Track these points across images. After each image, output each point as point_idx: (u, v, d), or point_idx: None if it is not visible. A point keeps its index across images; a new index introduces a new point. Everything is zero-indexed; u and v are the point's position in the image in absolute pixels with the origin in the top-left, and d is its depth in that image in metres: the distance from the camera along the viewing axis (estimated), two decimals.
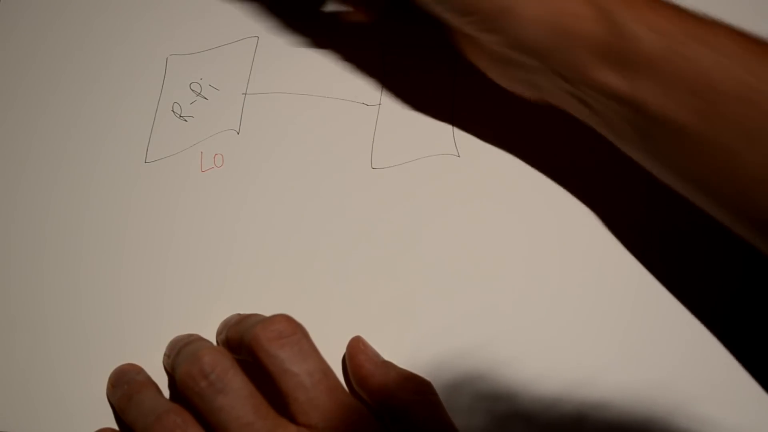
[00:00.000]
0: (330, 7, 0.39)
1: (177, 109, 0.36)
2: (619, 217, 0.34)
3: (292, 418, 0.27)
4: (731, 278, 0.33)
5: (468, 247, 0.33)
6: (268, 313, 0.29)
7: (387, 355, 0.31)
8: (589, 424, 0.30)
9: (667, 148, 0.29)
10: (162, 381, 0.30)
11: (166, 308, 0.32)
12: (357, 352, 0.30)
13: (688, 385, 0.31)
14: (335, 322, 0.32)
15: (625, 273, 0.33)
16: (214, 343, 0.31)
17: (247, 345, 0.28)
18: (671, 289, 0.32)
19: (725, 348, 0.31)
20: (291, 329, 0.28)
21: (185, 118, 0.36)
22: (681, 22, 0.27)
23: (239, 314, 0.31)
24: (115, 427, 0.30)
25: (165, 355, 0.31)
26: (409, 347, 0.31)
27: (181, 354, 0.28)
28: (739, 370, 0.31)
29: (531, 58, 0.30)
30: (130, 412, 0.28)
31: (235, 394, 0.26)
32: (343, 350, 0.31)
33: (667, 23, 0.27)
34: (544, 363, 0.31)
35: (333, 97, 0.37)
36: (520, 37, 0.29)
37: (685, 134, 0.27)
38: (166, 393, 0.30)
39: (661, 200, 0.34)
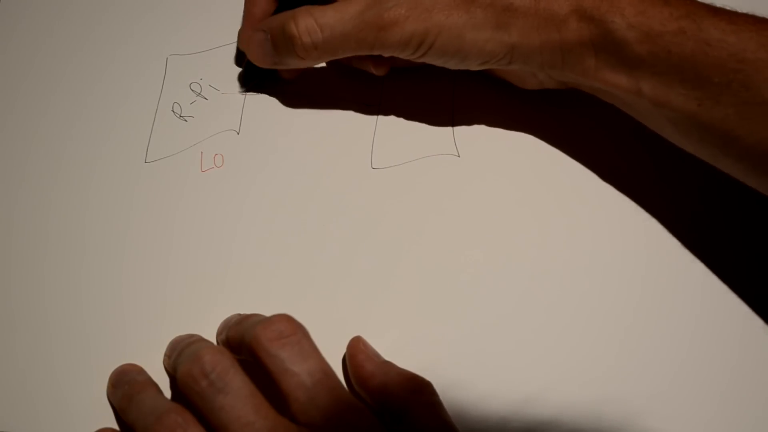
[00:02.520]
0: None
1: (177, 109, 0.36)
2: (613, 220, 0.34)
3: (292, 418, 0.27)
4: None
5: (468, 247, 0.33)
6: (268, 313, 0.29)
7: (387, 355, 0.31)
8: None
9: (676, 128, 0.31)
10: (162, 381, 0.30)
11: (166, 308, 0.32)
12: (357, 351, 0.30)
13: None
14: (335, 322, 0.32)
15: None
16: (215, 343, 0.31)
17: (248, 345, 0.28)
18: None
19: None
20: (291, 329, 0.28)
21: (185, 118, 0.36)
22: (665, 17, 0.29)
23: (239, 314, 0.31)
24: (116, 427, 0.30)
25: (165, 355, 0.31)
26: (409, 347, 0.31)
27: (182, 354, 0.28)
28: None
29: (548, 70, 0.32)
30: (131, 412, 0.28)
31: (236, 393, 0.26)
32: (343, 350, 0.31)
33: (651, 21, 0.29)
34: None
35: (333, 97, 0.37)
36: (536, 63, 0.32)
37: (689, 119, 0.30)
38: (167, 393, 0.30)
39: (654, 205, 0.34)
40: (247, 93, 0.37)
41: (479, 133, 0.36)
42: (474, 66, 0.33)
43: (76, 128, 0.36)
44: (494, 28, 0.31)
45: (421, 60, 0.32)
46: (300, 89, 0.37)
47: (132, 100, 0.37)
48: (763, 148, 0.28)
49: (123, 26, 0.38)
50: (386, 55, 0.32)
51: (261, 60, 0.34)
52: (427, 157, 0.35)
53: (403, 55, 0.32)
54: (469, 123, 0.36)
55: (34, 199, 0.34)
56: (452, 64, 0.33)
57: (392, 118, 0.36)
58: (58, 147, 0.35)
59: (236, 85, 0.37)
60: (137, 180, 0.35)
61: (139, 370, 0.30)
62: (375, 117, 0.36)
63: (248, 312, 0.31)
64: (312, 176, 0.35)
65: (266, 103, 0.37)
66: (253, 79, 0.37)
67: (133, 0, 0.39)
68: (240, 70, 0.37)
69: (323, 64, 0.37)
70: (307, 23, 0.31)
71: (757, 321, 0.32)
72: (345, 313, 0.32)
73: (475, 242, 0.34)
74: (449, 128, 0.36)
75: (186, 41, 0.38)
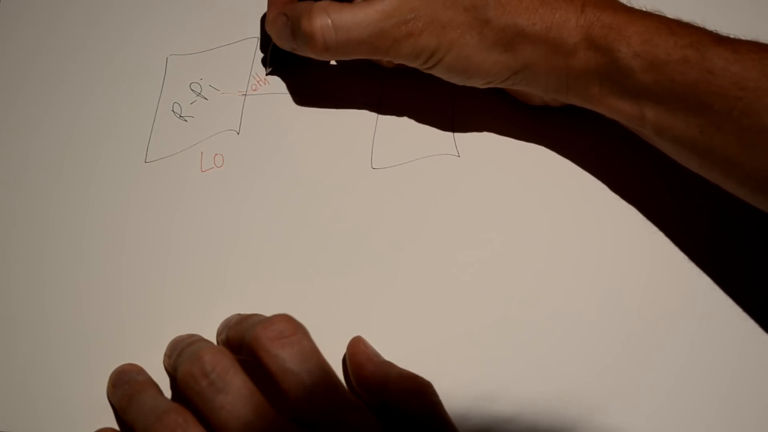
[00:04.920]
0: None
1: (177, 109, 0.36)
2: (611, 218, 0.34)
3: (292, 418, 0.27)
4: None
5: (468, 247, 0.33)
6: (268, 313, 0.29)
7: (387, 355, 0.31)
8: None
9: (680, 149, 0.31)
10: (162, 381, 0.30)
11: (166, 308, 0.32)
12: (357, 351, 0.30)
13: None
14: (335, 322, 0.32)
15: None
16: (215, 343, 0.31)
17: (248, 345, 0.28)
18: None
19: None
20: (292, 329, 0.28)
21: (185, 118, 0.36)
22: (670, 47, 0.29)
23: (240, 314, 0.31)
24: (116, 427, 0.30)
25: (165, 355, 0.31)
26: (409, 347, 0.31)
27: (183, 354, 0.28)
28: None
29: (553, 94, 0.33)
30: (131, 411, 0.28)
31: (236, 393, 0.26)
32: (343, 350, 0.31)
33: (657, 51, 0.29)
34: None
35: (333, 97, 0.37)
36: (541, 87, 0.33)
37: (691, 144, 0.30)
38: (167, 393, 0.30)
39: (650, 207, 0.34)
40: (247, 93, 0.37)
41: (479, 133, 0.36)
42: (479, 84, 0.33)
43: (76, 128, 0.36)
44: (503, 52, 0.31)
45: (428, 71, 0.33)
46: (300, 89, 0.37)
47: (132, 100, 0.37)
48: (764, 173, 0.28)
49: (123, 26, 0.38)
50: (395, 62, 0.33)
51: (282, 43, 0.34)
52: (427, 157, 0.35)
53: (411, 65, 0.33)
54: (469, 123, 0.36)
55: (35, 199, 0.34)
56: (458, 81, 0.33)
57: (392, 118, 0.36)
58: (58, 147, 0.35)
59: (236, 85, 0.37)
60: (137, 180, 0.35)
61: (139, 370, 0.30)
62: (375, 117, 0.36)
63: (248, 312, 0.31)
64: (312, 176, 0.35)
65: (266, 103, 0.37)
66: (277, 61, 0.37)
67: (133, 0, 0.39)
68: (240, 70, 0.37)
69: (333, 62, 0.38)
70: (322, 22, 0.31)
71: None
72: (345, 313, 0.32)
73: (475, 242, 0.34)
74: (449, 128, 0.36)
75: (186, 41, 0.38)
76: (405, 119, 0.36)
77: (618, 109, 0.31)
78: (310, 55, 0.33)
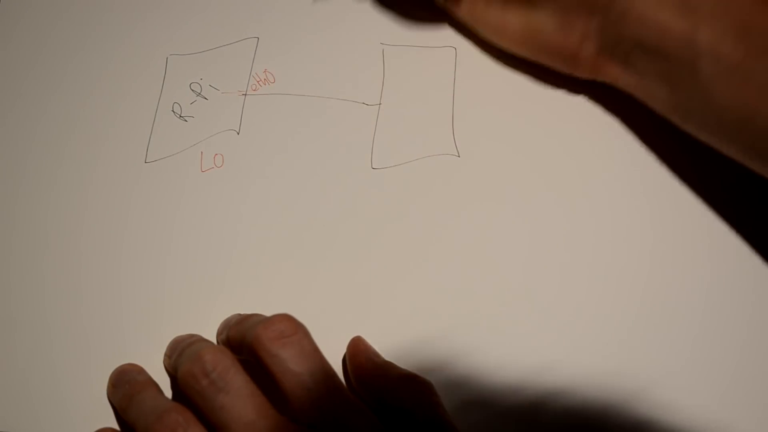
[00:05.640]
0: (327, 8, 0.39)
1: (177, 109, 0.36)
2: (617, 218, 0.34)
3: (293, 418, 0.27)
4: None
5: (468, 247, 0.33)
6: (268, 313, 0.29)
7: (387, 355, 0.31)
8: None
9: (713, 87, 0.30)
10: (162, 381, 0.30)
11: (166, 308, 0.32)
12: (357, 352, 0.30)
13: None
14: (336, 322, 0.32)
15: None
16: (215, 343, 0.31)
17: (249, 344, 0.28)
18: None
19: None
20: (292, 329, 0.28)
21: (185, 118, 0.36)
22: None
23: (240, 314, 0.31)
24: (116, 427, 0.30)
25: (166, 355, 0.31)
26: (409, 347, 0.31)
27: (183, 354, 0.28)
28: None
29: (602, 20, 0.32)
30: (131, 411, 0.28)
31: (237, 393, 0.26)
32: (343, 350, 0.31)
33: None
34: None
35: (333, 97, 0.37)
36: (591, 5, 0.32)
37: (736, 71, 0.29)
38: (167, 393, 0.30)
39: (653, 201, 0.34)
40: (247, 93, 0.37)
41: (479, 133, 0.36)
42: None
43: (76, 128, 0.36)
44: None
45: None
46: (300, 89, 0.37)
47: (132, 100, 0.37)
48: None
49: (123, 26, 0.38)
50: None
51: None
52: (427, 157, 0.35)
53: None
54: (469, 123, 0.36)
55: (34, 199, 0.34)
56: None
57: (392, 118, 0.36)
58: (58, 147, 0.35)
59: (236, 85, 0.37)
60: (137, 180, 0.35)
61: (140, 370, 0.30)
62: (375, 117, 0.36)
63: (248, 312, 0.31)
64: (312, 176, 0.35)
65: (266, 103, 0.37)
66: None
67: (133, 0, 0.39)
68: (240, 70, 0.37)
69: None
70: None
71: None
72: (345, 313, 0.32)
73: (476, 242, 0.34)
74: (449, 128, 0.36)
75: (186, 41, 0.38)
76: (405, 119, 0.36)
77: (667, 26, 0.30)
78: None
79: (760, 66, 0.28)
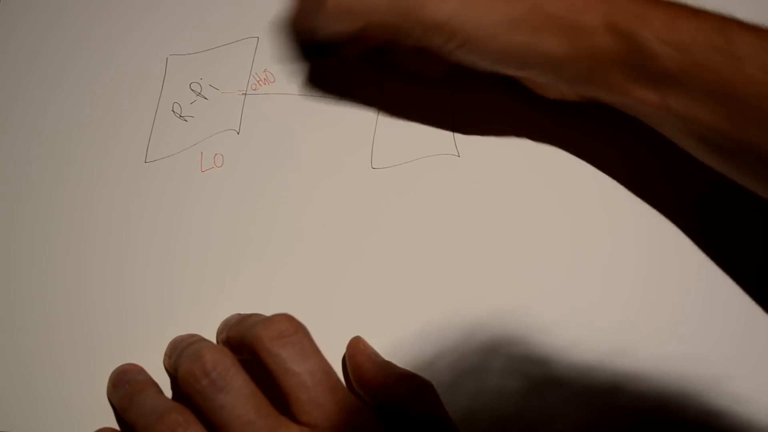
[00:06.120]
0: None
1: (177, 109, 0.36)
2: (617, 217, 0.34)
3: (293, 417, 0.27)
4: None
5: (468, 247, 0.33)
6: (268, 313, 0.29)
7: (387, 355, 0.31)
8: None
9: (704, 145, 0.30)
10: (162, 381, 0.30)
11: (166, 308, 0.32)
12: (357, 351, 0.30)
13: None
14: (335, 322, 0.32)
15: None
16: (215, 343, 0.31)
17: (249, 344, 0.28)
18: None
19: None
20: (292, 329, 0.28)
21: (185, 118, 0.36)
22: (695, 31, 0.28)
23: (240, 314, 0.31)
24: (116, 427, 0.30)
25: (166, 355, 0.31)
26: (409, 347, 0.31)
27: (183, 354, 0.28)
28: None
29: (573, 84, 0.32)
30: (131, 411, 0.28)
31: (237, 392, 0.26)
32: (343, 350, 0.31)
33: (681, 35, 0.28)
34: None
35: (333, 97, 0.37)
36: (563, 76, 0.31)
37: (718, 135, 0.29)
38: (167, 393, 0.30)
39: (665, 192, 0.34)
40: (247, 93, 0.37)
41: (479, 133, 0.36)
42: (505, 69, 0.32)
43: (76, 128, 0.36)
44: (530, 33, 0.30)
45: (451, 55, 0.32)
46: (300, 89, 0.37)
47: (132, 100, 0.37)
48: None
49: (123, 26, 0.38)
50: (411, 43, 0.31)
51: (296, 22, 0.34)
52: (427, 157, 0.35)
53: (433, 44, 0.31)
54: (469, 123, 0.36)
55: (34, 199, 0.34)
56: (484, 64, 0.32)
57: (392, 118, 0.36)
58: (58, 147, 0.35)
59: (236, 85, 0.37)
60: (137, 180, 0.35)
61: (140, 370, 0.30)
62: (375, 117, 0.36)
63: (248, 312, 0.31)
64: (312, 176, 0.35)
65: (266, 103, 0.37)
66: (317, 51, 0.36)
67: (133, 0, 0.39)
68: (240, 70, 0.37)
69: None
70: None
71: None
72: (345, 313, 0.32)
73: (476, 242, 0.34)
74: (449, 128, 0.36)
75: (186, 41, 0.38)
76: (405, 119, 0.36)
77: (641, 98, 0.30)
78: (322, 24, 0.32)
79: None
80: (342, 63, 0.37)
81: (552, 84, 0.33)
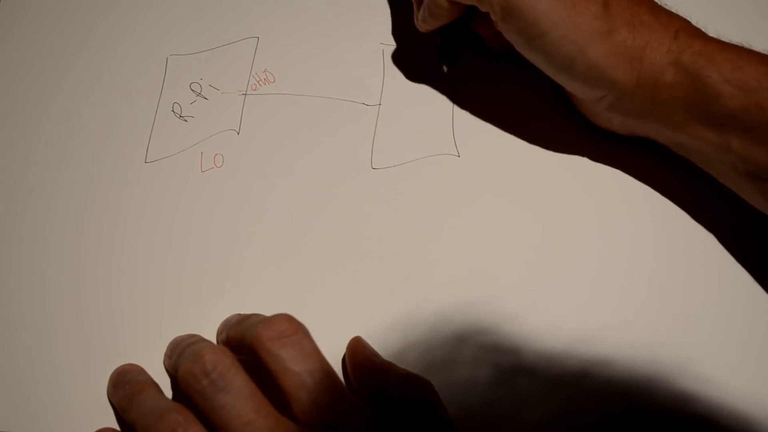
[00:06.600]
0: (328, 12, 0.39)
1: (177, 109, 0.36)
2: (617, 216, 0.34)
3: (293, 417, 0.27)
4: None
5: (468, 247, 0.33)
6: (268, 313, 0.29)
7: (386, 354, 0.31)
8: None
9: (760, 186, 0.31)
10: (162, 381, 0.30)
11: (166, 308, 0.32)
12: (357, 352, 0.30)
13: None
14: (335, 322, 0.32)
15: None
16: (215, 343, 0.31)
17: (249, 344, 0.28)
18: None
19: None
20: (292, 329, 0.28)
21: (185, 118, 0.36)
22: (762, 75, 0.29)
23: (240, 314, 0.31)
24: (116, 427, 0.30)
25: (166, 355, 0.31)
26: (409, 346, 0.31)
27: (183, 354, 0.28)
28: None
29: (633, 118, 0.32)
30: (131, 411, 0.28)
31: (237, 392, 0.26)
32: (343, 350, 0.31)
33: (747, 78, 0.29)
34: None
35: (333, 97, 0.37)
36: (623, 108, 0.32)
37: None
38: (167, 394, 0.30)
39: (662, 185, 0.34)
40: (247, 93, 0.37)
41: (479, 133, 0.36)
42: (572, 81, 0.32)
43: (76, 128, 0.36)
44: (609, 55, 0.30)
45: (527, 47, 0.32)
46: (300, 89, 0.37)
47: (132, 100, 0.37)
48: None
49: (123, 26, 0.38)
50: (497, 9, 0.31)
51: (419, 23, 0.35)
52: (427, 157, 0.35)
53: (512, 28, 0.31)
54: (469, 123, 0.36)
55: (34, 199, 0.34)
56: (551, 67, 0.32)
57: (392, 118, 0.36)
58: (58, 147, 0.35)
59: (236, 85, 0.37)
60: (137, 180, 0.35)
61: (140, 370, 0.30)
62: (375, 117, 0.36)
63: (248, 312, 0.31)
64: (312, 176, 0.35)
65: (266, 103, 0.37)
66: (451, 52, 0.35)
67: (133, 0, 0.39)
68: (240, 70, 0.37)
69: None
70: None
71: None
72: (345, 313, 0.32)
73: (476, 242, 0.34)
74: (449, 128, 0.36)
75: (186, 41, 0.38)
76: (405, 119, 0.36)
77: (702, 137, 0.31)
78: (441, 15, 0.33)
79: None
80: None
81: (606, 112, 0.33)
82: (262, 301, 0.32)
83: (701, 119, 0.30)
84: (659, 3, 0.32)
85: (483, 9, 0.32)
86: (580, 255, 0.33)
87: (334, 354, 0.30)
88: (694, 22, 0.31)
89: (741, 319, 0.32)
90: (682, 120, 0.31)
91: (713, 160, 0.32)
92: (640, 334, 0.31)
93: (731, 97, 0.29)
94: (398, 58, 0.38)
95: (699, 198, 0.34)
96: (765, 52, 0.30)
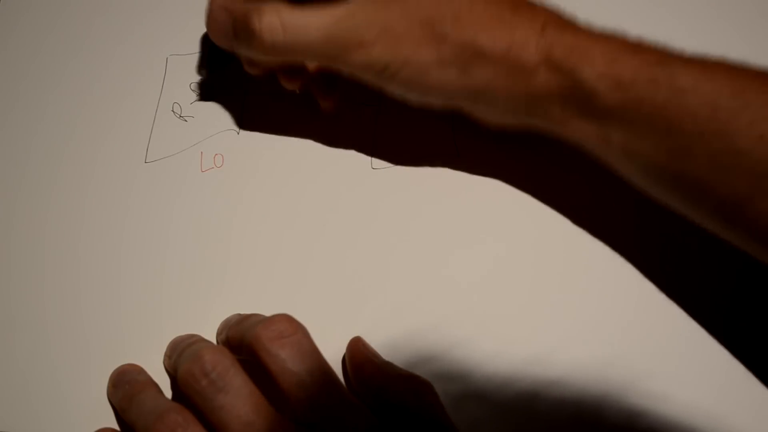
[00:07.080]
0: None
1: (177, 109, 0.36)
2: (611, 215, 0.34)
3: (292, 417, 0.27)
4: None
5: (468, 247, 0.33)
6: (268, 313, 0.29)
7: (386, 354, 0.31)
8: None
9: (646, 177, 0.30)
10: (162, 381, 0.30)
11: (166, 308, 0.32)
12: (357, 352, 0.30)
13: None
14: (335, 322, 0.32)
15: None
16: (215, 343, 0.31)
17: (248, 344, 0.28)
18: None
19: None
20: (292, 329, 0.28)
21: (185, 118, 0.36)
22: (636, 66, 0.28)
23: (239, 314, 0.31)
24: (116, 427, 0.30)
25: (165, 355, 0.31)
26: (408, 346, 0.31)
27: (183, 354, 0.28)
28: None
29: (512, 116, 0.31)
30: (131, 411, 0.28)
31: (236, 392, 0.26)
32: (343, 350, 0.31)
33: (622, 71, 0.28)
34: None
35: (333, 97, 0.37)
36: (499, 108, 0.31)
37: (660, 169, 0.29)
38: (167, 394, 0.30)
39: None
40: (247, 93, 0.37)
41: (479, 133, 0.36)
42: (435, 103, 0.31)
43: (76, 128, 0.36)
44: (460, 71, 0.29)
45: (382, 86, 0.31)
46: (299, 89, 0.37)
47: (132, 100, 0.37)
48: (735, 199, 0.27)
49: (123, 26, 0.38)
50: (347, 72, 0.31)
51: (218, 40, 0.33)
52: (427, 157, 0.35)
53: (364, 77, 0.31)
54: (469, 123, 0.36)
55: (34, 199, 0.34)
56: (413, 97, 0.31)
57: (392, 118, 0.36)
58: (58, 147, 0.35)
59: (236, 85, 0.37)
60: (137, 180, 0.35)
61: (140, 370, 0.30)
62: (375, 117, 0.36)
63: (248, 312, 0.31)
64: (312, 176, 0.35)
65: (266, 103, 0.37)
66: (216, 62, 0.36)
67: (133, 0, 0.39)
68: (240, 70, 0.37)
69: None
70: (271, 20, 0.30)
71: None
72: (345, 313, 0.32)
73: (476, 242, 0.34)
74: (449, 128, 0.36)
75: (186, 41, 0.38)
76: (405, 119, 0.36)
77: (582, 132, 0.30)
78: (251, 54, 0.32)
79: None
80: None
81: (488, 114, 0.32)
82: (261, 301, 0.32)
83: (580, 115, 0.29)
84: None
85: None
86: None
87: (333, 354, 0.31)
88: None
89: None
90: (560, 115, 0.30)
91: (601, 153, 0.30)
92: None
93: (607, 92, 0.28)
94: None
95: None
96: (639, 39, 0.29)
